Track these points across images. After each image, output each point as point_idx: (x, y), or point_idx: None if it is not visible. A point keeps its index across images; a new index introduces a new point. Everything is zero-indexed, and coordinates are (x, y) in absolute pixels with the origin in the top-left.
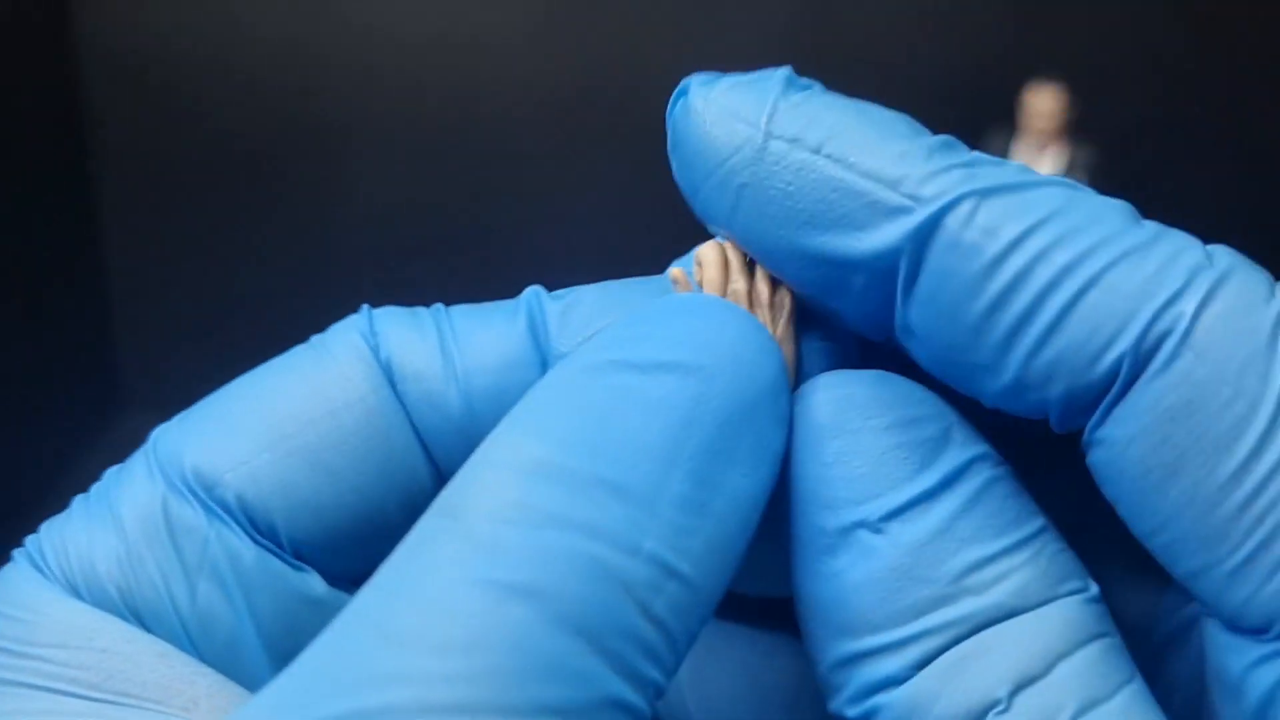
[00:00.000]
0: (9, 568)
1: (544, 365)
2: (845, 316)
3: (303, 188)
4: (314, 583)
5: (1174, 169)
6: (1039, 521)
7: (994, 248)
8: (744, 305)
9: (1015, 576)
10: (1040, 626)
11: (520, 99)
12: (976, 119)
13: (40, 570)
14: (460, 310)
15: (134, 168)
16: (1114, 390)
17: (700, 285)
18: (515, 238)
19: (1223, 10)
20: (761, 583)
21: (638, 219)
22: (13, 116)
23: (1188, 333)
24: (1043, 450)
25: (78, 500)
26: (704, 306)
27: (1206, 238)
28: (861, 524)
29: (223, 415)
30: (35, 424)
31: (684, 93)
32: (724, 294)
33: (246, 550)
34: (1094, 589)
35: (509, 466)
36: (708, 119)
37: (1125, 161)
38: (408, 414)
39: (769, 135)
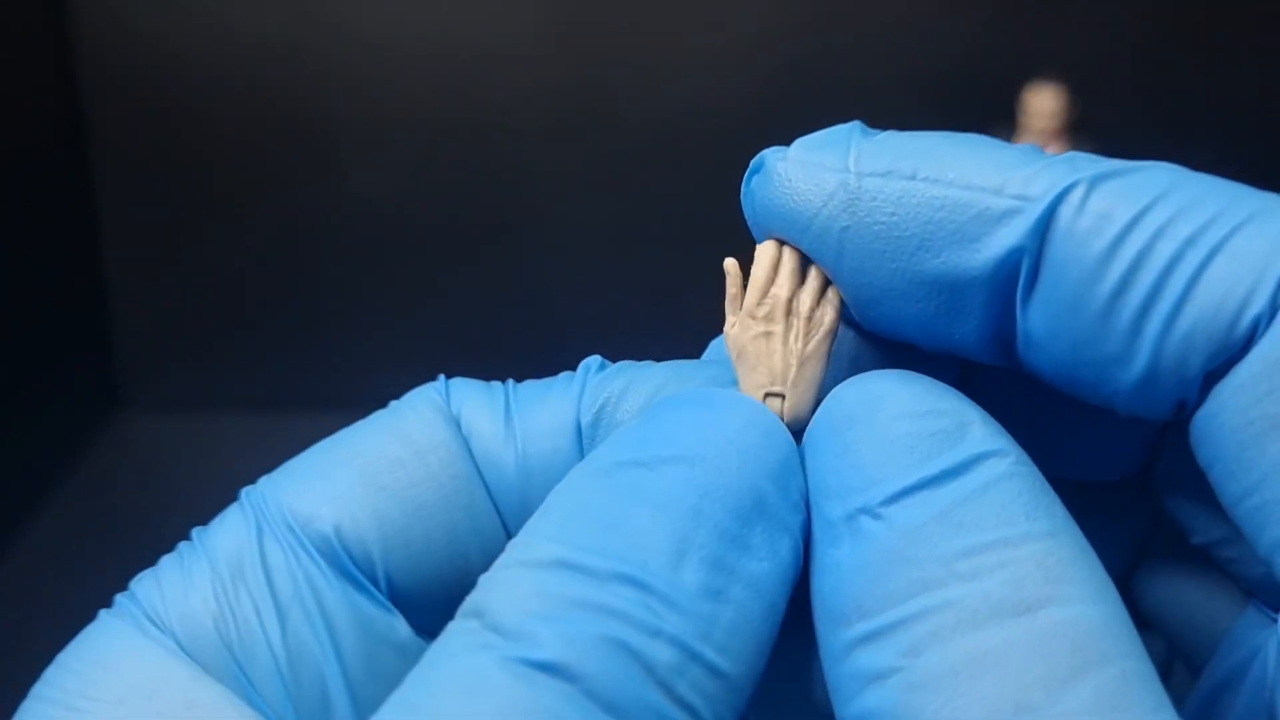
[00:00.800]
0: (100, 620)
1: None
2: (967, 344)
3: (303, 190)
4: (400, 627)
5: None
6: (1056, 522)
7: (1112, 230)
8: (781, 311)
9: (1012, 569)
10: (1046, 644)
11: (521, 105)
12: (977, 119)
13: (134, 617)
14: (527, 384)
15: (133, 168)
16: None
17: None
18: (515, 241)
19: (1223, 10)
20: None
21: (639, 224)
22: (11, 116)
23: None
24: (1111, 498)
25: (167, 556)
26: (709, 399)
27: None
28: (863, 510)
29: (314, 464)
30: (34, 424)
31: (759, 165)
32: (765, 295)
33: (337, 589)
34: (1114, 601)
35: (528, 565)
36: (792, 178)
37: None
38: (477, 468)
39: (860, 174)
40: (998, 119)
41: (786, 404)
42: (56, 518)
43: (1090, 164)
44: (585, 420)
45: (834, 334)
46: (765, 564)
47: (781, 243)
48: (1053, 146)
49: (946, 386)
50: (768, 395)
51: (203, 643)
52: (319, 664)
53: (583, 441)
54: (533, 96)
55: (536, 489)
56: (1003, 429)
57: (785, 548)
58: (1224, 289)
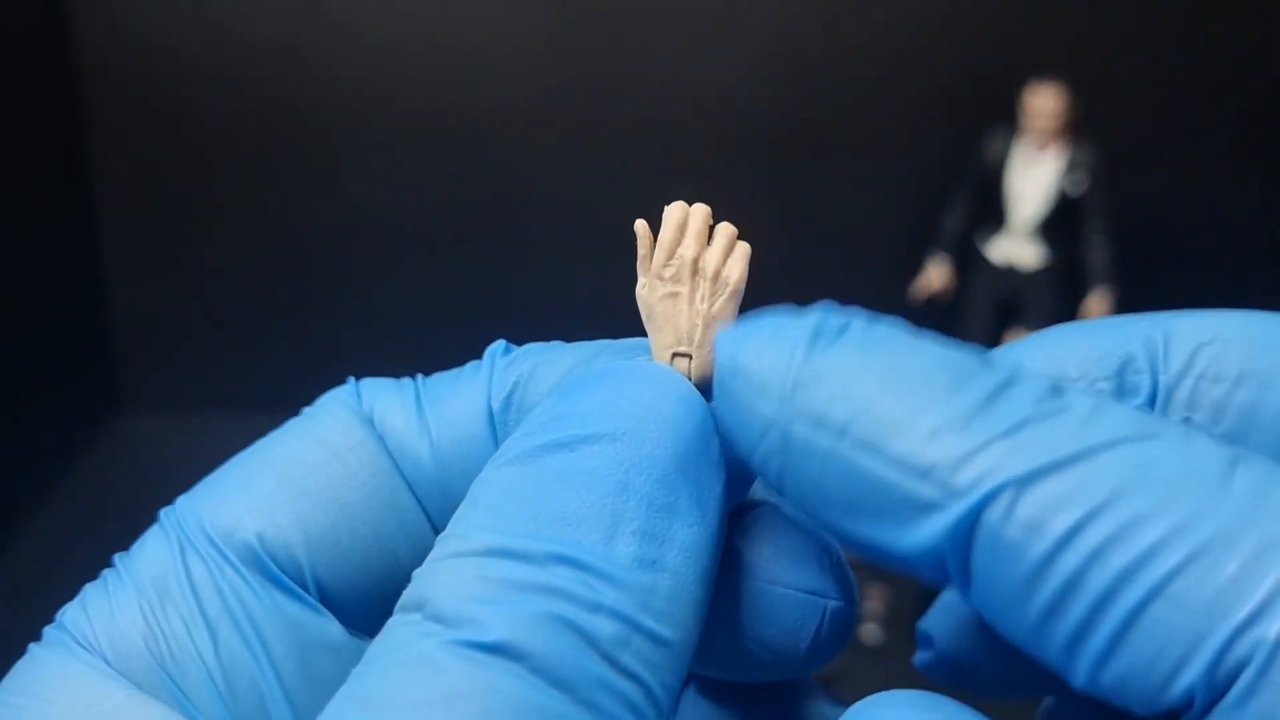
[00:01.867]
0: (30, 653)
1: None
2: (923, 582)
3: (303, 190)
4: (332, 628)
5: (1175, 168)
6: None
7: (1040, 547)
8: (687, 272)
9: None
10: None
11: (520, 107)
12: (977, 119)
13: (64, 645)
14: (436, 376)
15: (133, 170)
16: (1194, 713)
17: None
18: (515, 242)
19: (1224, 9)
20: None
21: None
22: (12, 118)
23: (1267, 665)
24: None
25: (90, 584)
26: (618, 371)
27: (1208, 237)
28: None
29: (232, 476)
30: (35, 424)
31: (717, 355)
32: (672, 256)
33: (264, 598)
34: None
35: (464, 555)
36: (739, 392)
37: (1127, 161)
38: (395, 463)
39: (793, 415)
40: (998, 119)
41: (694, 364)
42: (56, 517)
43: (1038, 444)
44: (496, 405)
45: (740, 293)
46: (695, 529)
47: (690, 203)
48: (1052, 146)
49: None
50: (675, 355)
51: (135, 663)
52: (253, 673)
53: (495, 426)
54: (531, 98)
55: (454, 478)
56: None
57: (712, 509)
58: (1156, 646)
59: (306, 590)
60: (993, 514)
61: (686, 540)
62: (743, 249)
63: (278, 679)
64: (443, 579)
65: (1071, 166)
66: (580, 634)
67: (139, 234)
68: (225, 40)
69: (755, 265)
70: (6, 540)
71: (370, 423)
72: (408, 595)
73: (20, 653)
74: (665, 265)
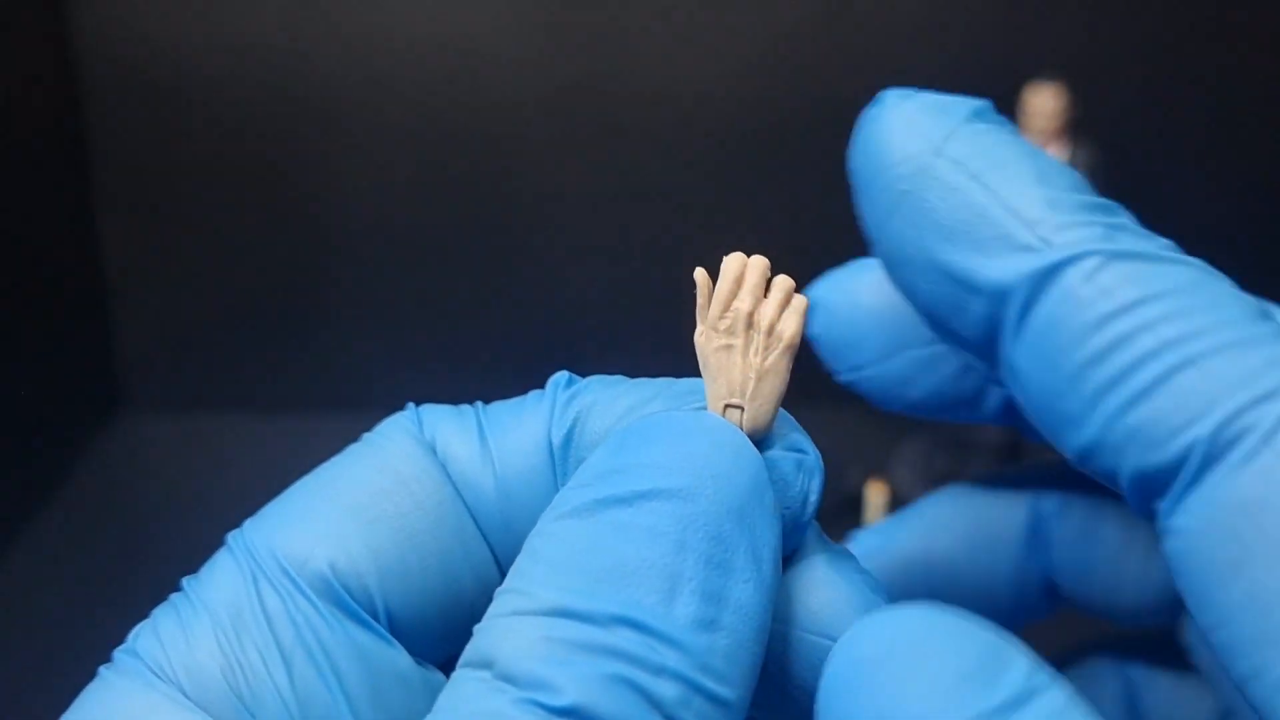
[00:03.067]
0: (102, 677)
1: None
2: (964, 340)
3: (304, 191)
4: (401, 659)
5: (1175, 168)
6: None
7: (1106, 306)
8: (741, 325)
9: None
10: None
11: (522, 106)
12: None
13: (138, 672)
14: (496, 406)
15: (133, 169)
16: (1184, 477)
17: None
18: (516, 243)
19: (1226, 8)
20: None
21: (640, 224)
22: (11, 117)
23: (1272, 433)
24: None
25: (159, 608)
26: (673, 424)
27: (1210, 236)
28: None
29: (301, 503)
30: (35, 425)
31: (879, 101)
32: (728, 308)
33: (337, 628)
34: None
35: (528, 614)
36: (893, 126)
37: (1127, 161)
38: (458, 492)
39: (939, 153)
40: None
41: (745, 416)
42: (57, 518)
43: (1128, 240)
44: (556, 440)
45: (794, 348)
46: (750, 585)
47: (743, 258)
48: (1052, 147)
49: (981, 621)
50: (727, 407)
51: (212, 694)
52: (327, 705)
53: (554, 461)
54: (533, 97)
55: (517, 510)
56: (1045, 665)
57: (767, 564)
58: (1178, 401)
59: (377, 620)
60: (1076, 271)
61: (743, 599)
62: (799, 303)
63: (351, 711)
64: (510, 638)
65: (1073, 166)
66: (646, 697)
67: (140, 234)
68: (226, 40)
69: None
70: (6, 540)
71: (433, 451)
72: (473, 650)
73: (20, 652)
74: (721, 317)
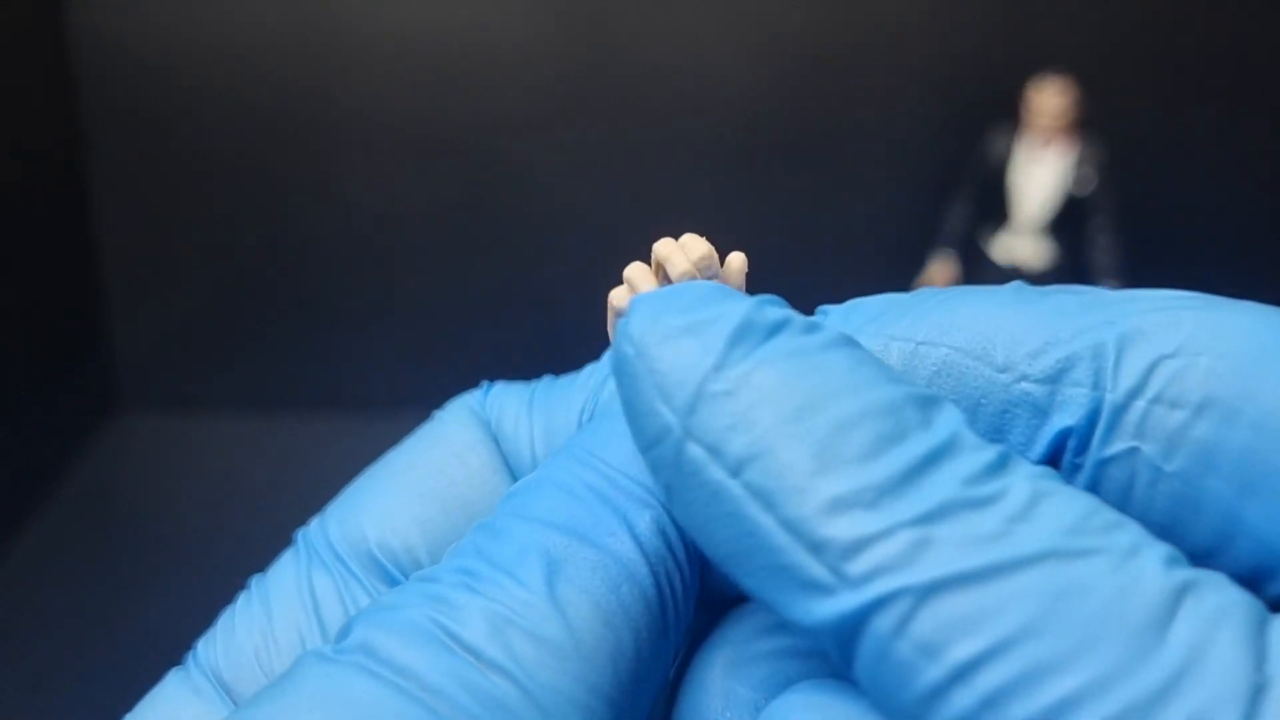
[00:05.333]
0: (164, 683)
1: None
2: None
3: (302, 192)
4: None
5: (1182, 165)
6: None
7: (932, 674)
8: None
9: None
10: None
11: (520, 106)
12: (980, 115)
13: (188, 672)
14: (552, 381)
15: (131, 171)
16: None
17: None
18: (514, 242)
19: (1227, 8)
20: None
21: (640, 223)
22: (8, 117)
23: None
24: None
25: (226, 609)
26: (610, 416)
27: (1216, 235)
28: None
29: (360, 487)
30: (35, 425)
31: (624, 327)
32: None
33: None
34: None
35: (427, 579)
36: (639, 383)
37: (1132, 158)
38: (508, 465)
39: (687, 433)
40: (1001, 116)
41: None
42: (56, 518)
43: (952, 546)
44: (585, 417)
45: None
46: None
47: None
48: (1057, 143)
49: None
50: None
51: (243, 672)
52: None
53: None
54: (531, 97)
55: None
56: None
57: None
58: None
59: None
60: (884, 621)
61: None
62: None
63: None
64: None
65: (1077, 164)
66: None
67: (139, 236)
68: (224, 39)
69: (757, 265)
70: (6, 540)
71: (488, 425)
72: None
73: (19, 650)
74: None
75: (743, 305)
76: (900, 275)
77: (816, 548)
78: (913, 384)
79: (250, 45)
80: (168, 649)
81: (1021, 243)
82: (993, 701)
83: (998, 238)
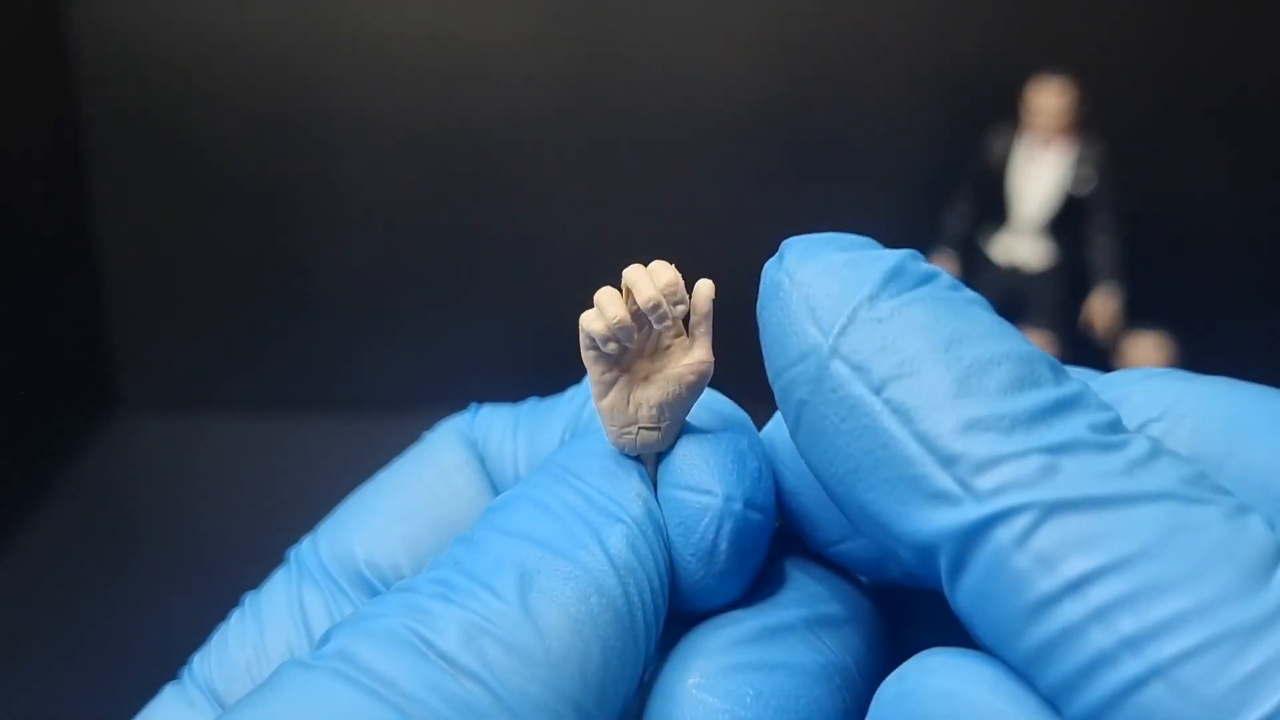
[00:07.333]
0: (160, 697)
1: None
2: (901, 574)
3: (302, 190)
4: None
5: (1181, 165)
6: None
7: (1047, 584)
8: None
9: None
10: None
11: (518, 105)
12: (980, 115)
13: (184, 686)
14: (537, 404)
15: (130, 169)
16: None
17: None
18: (513, 242)
19: (1227, 8)
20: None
21: (639, 222)
22: (7, 117)
23: None
24: None
25: (220, 625)
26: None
27: (1215, 235)
28: None
29: (351, 507)
30: (33, 424)
31: (779, 259)
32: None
33: None
34: None
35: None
36: (790, 305)
37: (1131, 158)
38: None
39: (834, 352)
40: (1001, 115)
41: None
42: (56, 518)
43: (1077, 474)
44: (568, 436)
45: (589, 344)
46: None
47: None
48: (1057, 142)
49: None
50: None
51: (235, 684)
52: None
53: None
54: (532, 98)
55: None
56: None
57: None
58: None
59: None
60: (1007, 532)
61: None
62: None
63: None
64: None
65: (1077, 164)
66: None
67: (138, 235)
68: (225, 40)
69: (756, 265)
70: (6, 540)
71: (475, 445)
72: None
73: (17, 648)
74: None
75: (898, 253)
76: None
77: (949, 460)
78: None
79: (251, 45)
80: (167, 648)
81: (1021, 243)
82: (1102, 613)
83: (997, 238)
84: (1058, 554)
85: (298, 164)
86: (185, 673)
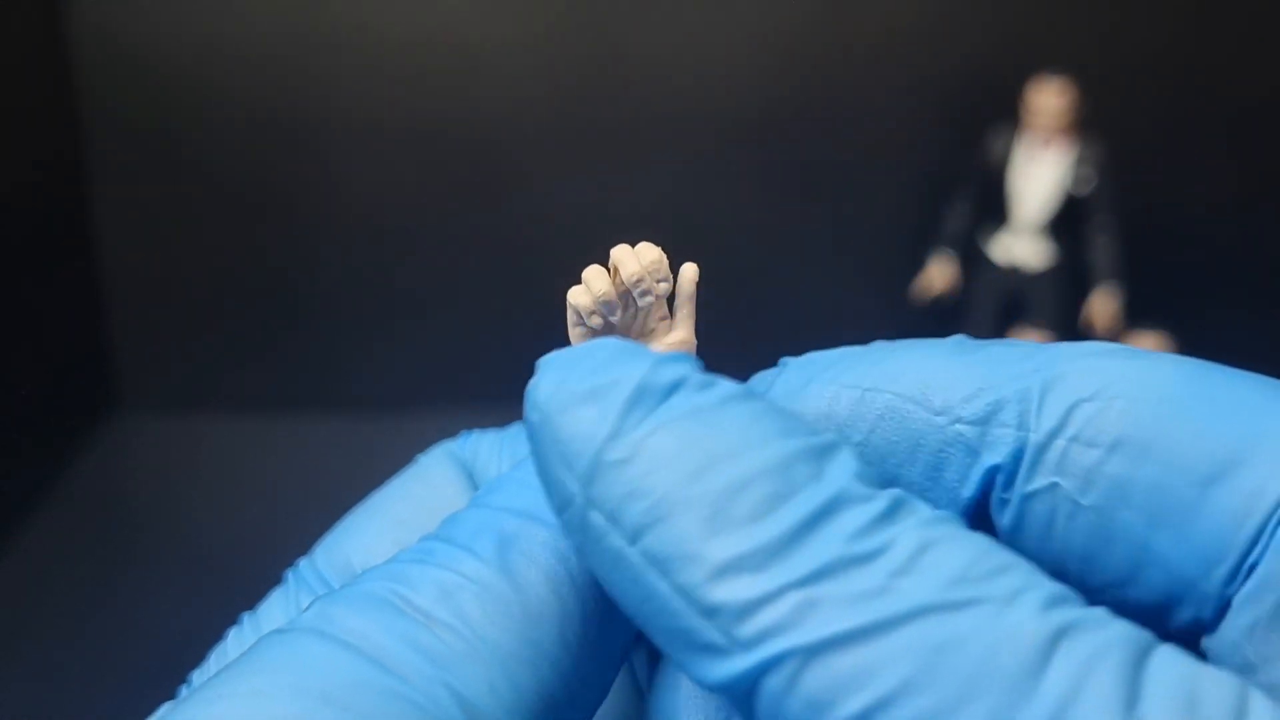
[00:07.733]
0: (156, 717)
1: None
2: None
3: (302, 193)
4: None
5: (1181, 165)
6: None
7: None
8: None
9: None
10: None
11: (518, 105)
12: (980, 115)
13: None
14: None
15: (131, 169)
16: None
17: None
18: (512, 242)
19: (1227, 8)
20: None
21: (638, 222)
22: (8, 117)
23: None
24: None
25: (217, 645)
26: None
27: (1210, 235)
28: None
29: (347, 523)
30: (33, 424)
31: (534, 387)
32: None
33: None
34: None
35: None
36: (545, 449)
37: (1131, 158)
38: None
39: (590, 502)
40: (1001, 115)
41: None
42: (56, 518)
43: (831, 608)
44: None
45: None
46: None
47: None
48: (1057, 144)
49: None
50: None
51: None
52: None
53: None
54: (532, 98)
55: None
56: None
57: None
58: None
59: None
60: (775, 681)
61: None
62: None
63: None
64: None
65: (1077, 164)
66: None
67: (138, 236)
68: (225, 41)
69: (756, 265)
70: (6, 540)
71: (465, 465)
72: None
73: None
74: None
75: (641, 367)
76: (899, 275)
77: (709, 613)
78: (812, 433)
79: (252, 47)
80: (167, 649)
81: (1021, 243)
82: None
83: (997, 238)
84: (827, 698)
85: (298, 164)
86: (183, 690)
